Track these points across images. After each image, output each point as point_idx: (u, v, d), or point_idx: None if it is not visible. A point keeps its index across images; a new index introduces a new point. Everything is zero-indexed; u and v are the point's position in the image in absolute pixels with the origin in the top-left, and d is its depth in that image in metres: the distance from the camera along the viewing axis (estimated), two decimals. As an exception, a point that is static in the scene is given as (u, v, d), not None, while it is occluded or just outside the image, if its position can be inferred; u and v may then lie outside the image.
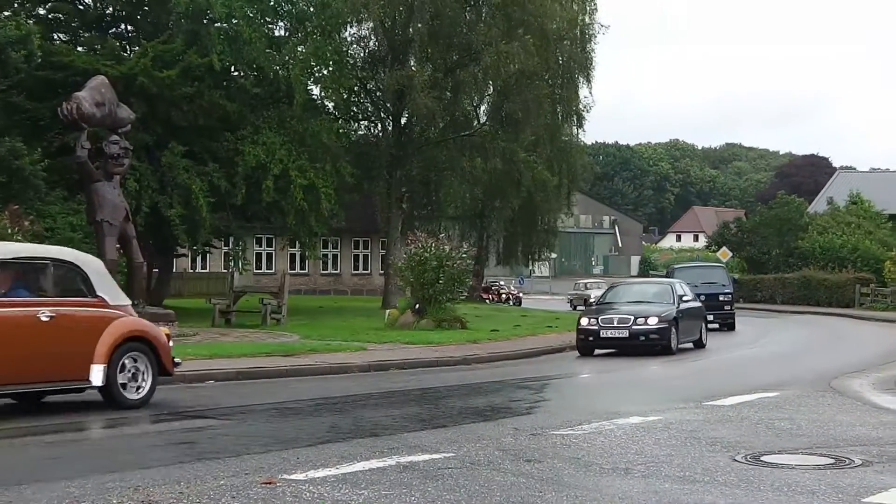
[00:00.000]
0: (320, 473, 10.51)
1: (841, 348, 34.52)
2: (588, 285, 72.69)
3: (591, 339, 30.85)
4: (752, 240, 78.26)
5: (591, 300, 65.61)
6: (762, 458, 11.72)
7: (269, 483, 10.01)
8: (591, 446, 12.58)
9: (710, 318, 39.14)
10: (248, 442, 12.99)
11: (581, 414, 15.78)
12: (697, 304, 34.50)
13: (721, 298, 44.24)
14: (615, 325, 30.56)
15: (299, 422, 15.63)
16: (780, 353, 32.72)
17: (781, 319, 53.85)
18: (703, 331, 34.16)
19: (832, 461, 11.64)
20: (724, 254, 78.30)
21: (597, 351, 31.05)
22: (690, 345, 33.11)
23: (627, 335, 30.36)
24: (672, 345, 30.62)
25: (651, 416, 15.59)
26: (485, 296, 73.14)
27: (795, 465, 11.37)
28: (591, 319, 31.18)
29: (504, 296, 76.06)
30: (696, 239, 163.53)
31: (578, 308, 61.86)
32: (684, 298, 32.64)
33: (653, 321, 30.62)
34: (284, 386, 20.79)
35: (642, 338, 30.39)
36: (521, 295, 77.87)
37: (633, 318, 30.68)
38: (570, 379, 24.18)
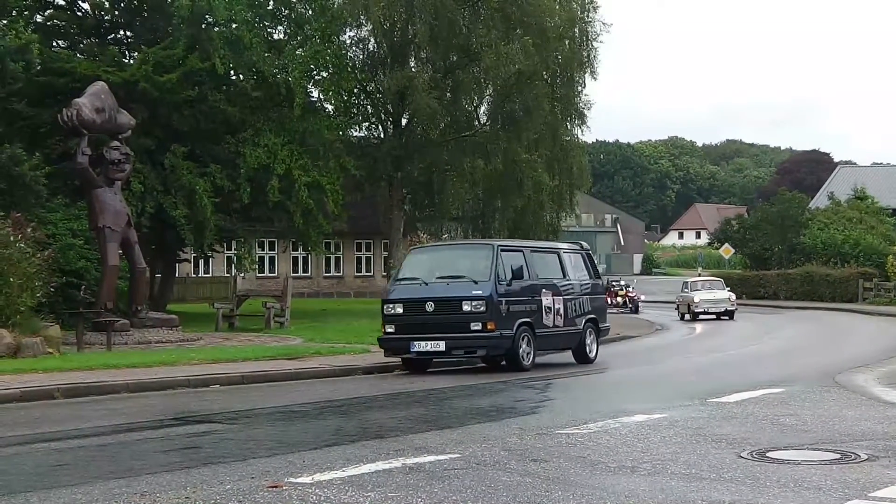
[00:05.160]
0: (326, 476, 10.50)
1: (845, 343, 34.51)
2: (696, 285, 57.41)
3: None
4: (755, 236, 78.30)
5: (696, 304, 53.98)
6: (768, 455, 11.71)
7: (276, 487, 10.01)
8: (597, 445, 12.57)
9: (443, 345, 24.29)
10: (253, 446, 12.99)
11: (586, 413, 15.77)
12: None
13: (465, 309, 24.10)
14: None
15: (304, 425, 15.62)
16: (784, 348, 32.73)
17: (785, 315, 53.83)
18: None
19: (838, 456, 11.63)
20: (727, 250, 78.45)
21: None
22: None
23: None
24: None
25: (656, 413, 15.58)
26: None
27: (801, 461, 11.36)
28: None
29: (624, 300, 62.89)
30: (698, 236, 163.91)
31: (685, 319, 54.39)
32: None
33: None
34: (289, 389, 20.79)
35: None
36: (641, 298, 64.95)
37: None
38: (575, 378, 24.14)
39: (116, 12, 46.49)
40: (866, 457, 11.57)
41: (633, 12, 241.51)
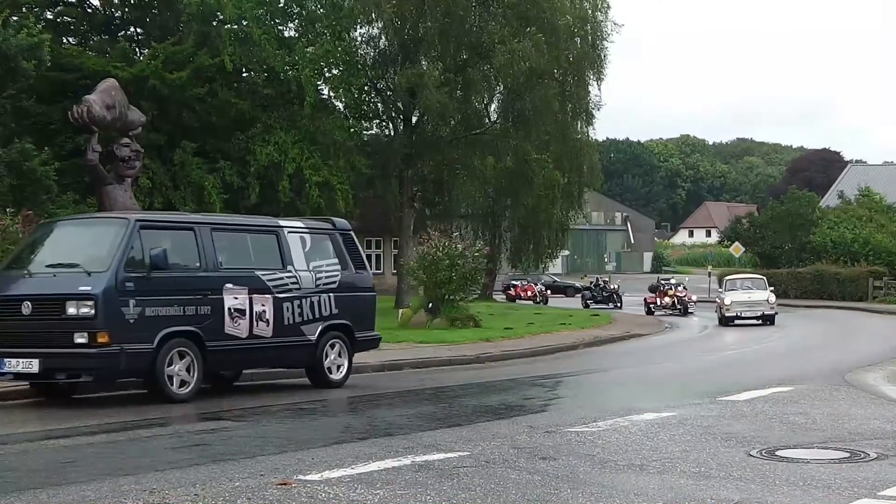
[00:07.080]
0: (335, 474, 10.51)
1: (855, 342, 34.44)
2: (733, 283, 48.69)
3: None
4: (765, 234, 78.13)
5: (728, 307, 46.04)
6: (777, 453, 11.71)
7: (285, 484, 10.01)
8: (606, 443, 12.56)
9: (36, 365, 16.80)
10: (262, 443, 13.00)
11: (595, 411, 15.76)
12: None
13: (70, 312, 16.60)
14: None
15: (314, 422, 15.63)
16: (793, 347, 32.67)
17: (794, 314, 53.71)
18: None
19: (847, 455, 11.62)
20: (737, 249, 78.24)
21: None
22: None
23: None
24: None
25: (665, 412, 15.57)
26: (651, 299, 55.23)
27: (810, 460, 11.35)
28: None
29: (673, 300, 53.97)
30: (708, 234, 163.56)
31: (721, 324, 45.94)
32: None
33: None
34: (297, 387, 20.79)
35: None
36: (692, 299, 55.46)
37: None
38: (584, 376, 24.14)
39: (126, 9, 46.59)
40: (875, 455, 11.56)
41: (638, 10, 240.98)
